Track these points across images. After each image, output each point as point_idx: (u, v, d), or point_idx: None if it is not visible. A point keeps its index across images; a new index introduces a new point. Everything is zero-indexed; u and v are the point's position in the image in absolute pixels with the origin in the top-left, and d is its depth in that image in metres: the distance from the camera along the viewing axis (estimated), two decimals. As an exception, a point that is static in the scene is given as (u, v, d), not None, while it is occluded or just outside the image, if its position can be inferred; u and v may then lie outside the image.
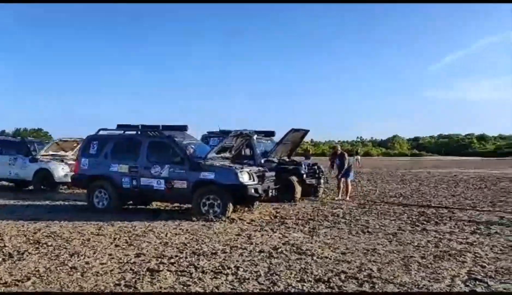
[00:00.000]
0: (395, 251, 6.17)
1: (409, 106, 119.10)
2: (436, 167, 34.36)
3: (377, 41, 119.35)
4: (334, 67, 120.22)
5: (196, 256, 5.87)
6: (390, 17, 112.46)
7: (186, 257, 5.79)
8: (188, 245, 6.53)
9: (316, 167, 13.22)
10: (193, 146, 10.20)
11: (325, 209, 10.58)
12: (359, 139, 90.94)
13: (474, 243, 6.75)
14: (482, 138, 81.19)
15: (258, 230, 7.83)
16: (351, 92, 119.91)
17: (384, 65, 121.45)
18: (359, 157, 35.94)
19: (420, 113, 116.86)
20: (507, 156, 60.73)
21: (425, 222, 8.69)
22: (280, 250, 6.20)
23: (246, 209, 10.07)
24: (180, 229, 7.87)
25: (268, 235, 7.33)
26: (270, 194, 9.85)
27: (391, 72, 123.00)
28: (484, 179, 20.40)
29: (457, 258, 5.82)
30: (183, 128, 10.19)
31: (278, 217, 9.26)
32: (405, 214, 9.72)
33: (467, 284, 4.72)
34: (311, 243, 6.73)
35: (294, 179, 11.92)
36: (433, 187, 16.90)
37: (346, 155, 13.25)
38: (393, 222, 8.75)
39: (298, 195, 11.85)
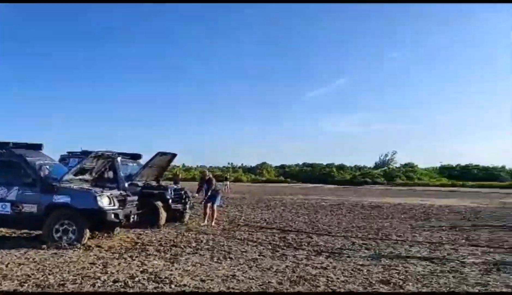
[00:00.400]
0: (254, 277, 6.22)
1: (277, 136, 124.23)
2: (300, 193, 36.25)
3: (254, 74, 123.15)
4: (205, 93, 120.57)
5: (40, 288, 5.31)
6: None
7: (27, 291, 5.18)
8: (32, 276, 5.88)
9: (183, 192, 13.05)
10: (48, 167, 9.37)
11: (189, 234, 10.41)
12: (230, 165, 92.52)
13: (328, 267, 7.11)
14: (341, 168, 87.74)
15: (116, 257, 7.39)
16: (223, 119, 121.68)
17: (255, 94, 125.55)
18: (228, 183, 36.57)
19: (287, 142, 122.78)
20: (362, 185, 66.72)
21: (285, 247, 8.98)
22: (137, 279, 5.89)
23: (106, 235, 9.48)
24: (25, 258, 7.11)
25: (126, 263, 6.94)
26: (132, 219, 9.41)
27: (263, 102, 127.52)
28: (341, 206, 21.96)
29: (312, 282, 6.06)
30: (37, 147, 9.40)
31: (139, 244, 8.86)
32: (267, 240, 9.96)
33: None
34: (171, 270, 6.51)
35: (159, 204, 11.62)
36: (295, 213, 17.66)
37: (214, 180, 13.26)
38: (255, 247, 8.89)
39: (162, 220, 11.55)
